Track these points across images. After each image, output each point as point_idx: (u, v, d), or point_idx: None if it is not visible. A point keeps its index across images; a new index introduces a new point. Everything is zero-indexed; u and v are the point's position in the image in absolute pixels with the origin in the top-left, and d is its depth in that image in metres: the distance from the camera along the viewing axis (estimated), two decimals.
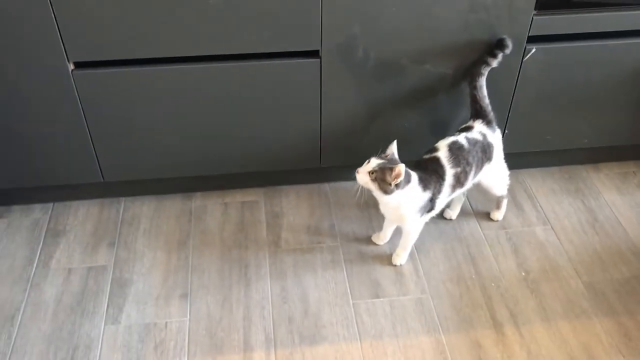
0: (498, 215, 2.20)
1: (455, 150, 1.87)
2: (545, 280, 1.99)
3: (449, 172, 1.86)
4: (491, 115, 1.96)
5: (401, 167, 1.71)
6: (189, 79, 1.94)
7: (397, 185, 1.74)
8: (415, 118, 2.09)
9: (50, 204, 2.27)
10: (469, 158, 1.88)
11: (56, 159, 2.07)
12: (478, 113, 1.95)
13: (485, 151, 1.93)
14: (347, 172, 1.92)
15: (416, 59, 1.95)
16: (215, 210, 2.25)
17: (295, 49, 1.91)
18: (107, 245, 2.12)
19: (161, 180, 2.25)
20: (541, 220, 2.19)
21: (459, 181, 1.89)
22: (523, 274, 2.01)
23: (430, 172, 1.85)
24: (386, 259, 2.06)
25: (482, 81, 1.94)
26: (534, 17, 1.90)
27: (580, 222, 2.19)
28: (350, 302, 1.93)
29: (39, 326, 1.86)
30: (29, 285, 1.99)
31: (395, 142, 1.82)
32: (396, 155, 1.81)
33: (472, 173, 1.91)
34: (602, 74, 2.07)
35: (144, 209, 2.26)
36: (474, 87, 1.94)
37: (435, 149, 1.89)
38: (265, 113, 2.03)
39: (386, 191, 1.76)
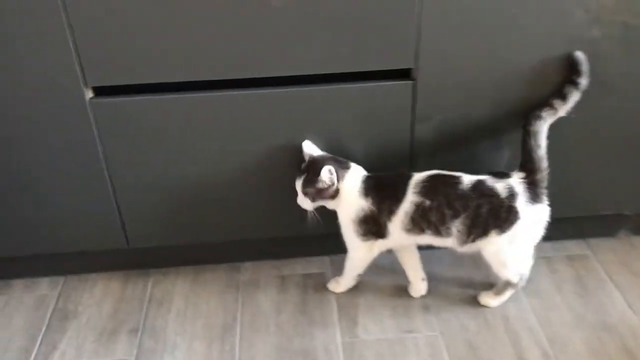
0: (490, 300, 1.62)
1: (439, 182, 1.45)
2: None
3: (410, 197, 1.46)
4: (541, 176, 1.46)
5: (325, 169, 1.43)
6: (239, 108, 1.47)
7: (338, 180, 1.47)
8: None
9: (62, 278, 1.79)
10: (457, 203, 1.43)
11: (69, 218, 1.61)
12: (524, 165, 1.47)
13: (498, 214, 1.43)
14: None
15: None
16: (269, 285, 1.73)
17: (383, 67, 1.44)
18: (128, 332, 1.60)
19: (200, 246, 1.76)
20: None
21: (426, 220, 1.45)
22: None
23: (385, 183, 1.50)
24: (507, 355, 1.49)
25: (540, 126, 1.44)
26: None
27: None
28: None
29: None
30: None
31: (306, 141, 1.50)
32: (315, 153, 1.50)
33: (457, 224, 1.45)
34: None
35: (177, 284, 1.75)
36: (527, 132, 1.46)
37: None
38: (336, 149, 1.54)
39: (332, 195, 1.49)
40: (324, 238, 1.77)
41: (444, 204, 1.44)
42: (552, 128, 1.46)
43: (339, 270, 1.76)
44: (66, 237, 1.65)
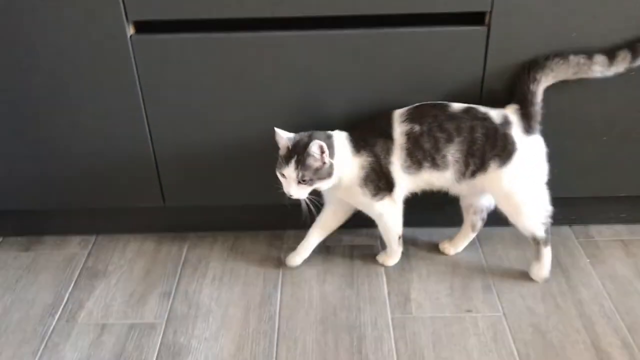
0: (538, 272, 1.47)
1: (427, 106, 1.36)
2: None
3: (398, 129, 1.35)
4: (534, 109, 1.35)
5: (314, 143, 1.29)
6: (291, 51, 1.34)
7: (330, 156, 1.32)
8: None
9: (92, 237, 1.68)
10: (448, 124, 1.33)
11: (106, 171, 1.50)
12: (518, 96, 1.36)
13: (494, 140, 1.33)
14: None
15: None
16: (312, 254, 1.57)
17: (456, 9, 1.29)
18: (159, 295, 1.48)
19: (241, 210, 1.63)
20: None
21: (420, 148, 1.34)
22: None
23: (369, 129, 1.38)
24: (581, 341, 1.31)
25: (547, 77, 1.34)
26: None
27: None
28: None
29: None
30: (43, 345, 1.36)
31: (276, 129, 1.34)
32: (290, 135, 1.34)
33: (452, 151, 1.34)
34: None
35: (215, 249, 1.62)
36: (530, 68, 1.34)
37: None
38: (401, 97, 1.39)
39: (329, 173, 1.34)
40: None
41: (435, 126, 1.33)
42: None
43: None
44: (101, 191, 1.53)
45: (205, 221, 1.67)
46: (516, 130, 1.34)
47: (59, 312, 1.44)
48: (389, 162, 1.37)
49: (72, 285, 1.52)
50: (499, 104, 1.36)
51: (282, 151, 1.35)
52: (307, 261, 1.56)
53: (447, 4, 1.29)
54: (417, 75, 1.37)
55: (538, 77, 1.34)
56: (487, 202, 1.49)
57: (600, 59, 1.32)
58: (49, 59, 1.35)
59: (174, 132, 1.44)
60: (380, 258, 1.55)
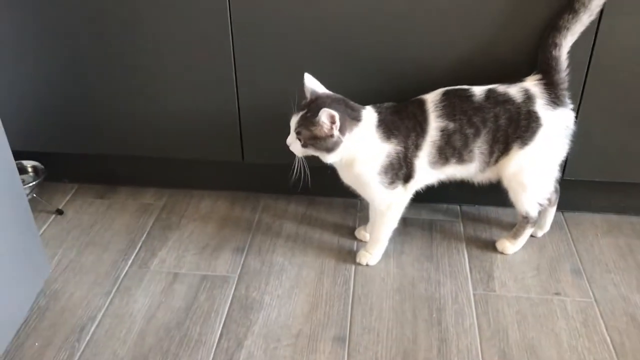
0: (509, 246, 1.42)
1: (454, 98, 1.26)
2: None
3: (433, 124, 1.25)
4: (559, 77, 1.25)
5: (325, 110, 1.16)
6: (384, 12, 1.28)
7: (340, 131, 1.19)
8: None
9: (167, 190, 1.67)
10: (475, 118, 1.24)
11: (190, 120, 1.48)
12: (542, 66, 1.26)
13: (517, 122, 1.24)
14: (593, 193, 1.42)
15: None
16: None
17: None
18: (233, 250, 1.45)
19: (316, 174, 1.57)
20: None
21: (451, 146, 1.26)
22: None
23: (403, 117, 1.26)
24: None
25: (571, 22, 1.22)
26: None
27: None
28: None
29: (114, 349, 1.20)
30: (115, 287, 1.34)
31: (307, 74, 1.24)
32: (320, 90, 1.24)
33: (479, 144, 1.26)
34: None
35: (289, 211, 1.59)
36: (552, 28, 1.24)
37: (427, 93, 1.29)
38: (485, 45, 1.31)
39: (329, 148, 1.21)
40: (456, 185, 1.56)
41: (465, 123, 1.24)
42: None
43: (470, 220, 1.54)
44: (185, 142, 1.51)
45: (280, 183, 1.63)
46: (541, 105, 1.24)
47: (131, 258, 1.43)
48: (415, 156, 1.27)
49: (145, 234, 1.51)
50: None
51: (304, 99, 1.25)
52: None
53: None
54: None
55: (558, 41, 1.23)
56: None
57: None
58: (151, 21, 1.34)
59: (259, 90, 1.41)
60: (364, 258, 1.40)
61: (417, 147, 1.26)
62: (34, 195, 1.57)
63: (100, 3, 1.35)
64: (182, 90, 1.44)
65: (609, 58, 1.29)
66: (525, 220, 1.38)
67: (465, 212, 1.58)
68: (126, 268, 1.40)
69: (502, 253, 1.42)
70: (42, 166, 1.61)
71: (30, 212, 1.23)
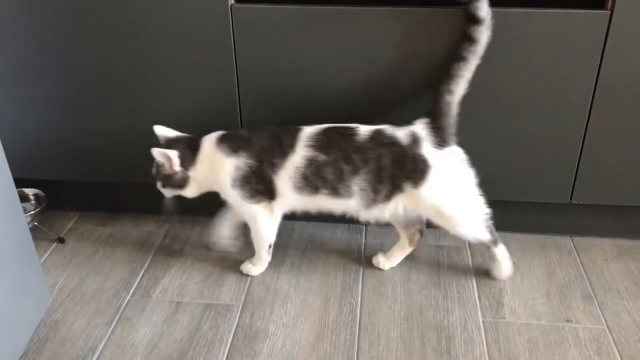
0: (499, 272, 1.40)
1: (335, 134, 1.28)
2: None
3: (300, 151, 1.28)
4: (451, 123, 1.28)
5: (154, 150, 1.29)
6: (396, 26, 1.28)
7: (184, 166, 1.32)
8: None
9: (170, 218, 1.64)
10: (355, 155, 1.26)
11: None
12: (433, 110, 1.29)
13: (402, 164, 1.25)
14: (602, 217, 1.39)
15: None
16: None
17: None
18: (236, 277, 1.43)
19: None
20: None
21: (320, 177, 1.27)
22: None
23: (261, 136, 1.31)
24: None
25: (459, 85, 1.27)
26: None
27: None
28: None
29: None
30: (117, 317, 1.32)
31: (155, 126, 1.34)
32: (171, 135, 1.35)
33: (358, 181, 1.27)
34: None
35: (293, 237, 1.57)
36: (445, 76, 1.28)
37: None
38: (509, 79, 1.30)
39: (180, 184, 1.34)
40: None
41: (341, 158, 1.26)
42: None
43: (477, 246, 1.51)
44: None
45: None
46: (427, 147, 1.26)
47: (133, 287, 1.40)
48: (275, 173, 1.29)
49: (147, 262, 1.48)
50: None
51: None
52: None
53: None
54: (530, 59, 1.29)
55: (452, 88, 1.26)
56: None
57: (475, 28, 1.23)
58: (152, 26, 1.34)
59: (260, 97, 1.40)
60: (245, 267, 1.43)
61: (276, 165, 1.28)
62: (35, 223, 1.55)
63: (103, 30, 1.35)
64: (187, 116, 1.43)
65: (616, 79, 1.28)
66: (485, 245, 1.37)
67: None
68: (128, 297, 1.37)
69: (499, 279, 1.41)
70: (44, 194, 1.59)
71: (31, 241, 1.21)
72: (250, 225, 1.38)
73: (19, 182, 1.22)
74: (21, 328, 1.20)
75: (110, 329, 1.28)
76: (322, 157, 1.26)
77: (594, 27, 1.23)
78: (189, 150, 1.32)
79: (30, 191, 1.60)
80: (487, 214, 1.33)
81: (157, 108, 1.44)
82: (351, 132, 1.27)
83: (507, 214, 1.52)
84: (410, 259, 1.47)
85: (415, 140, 1.26)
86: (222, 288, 1.39)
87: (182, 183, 1.34)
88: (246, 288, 1.39)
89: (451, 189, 1.28)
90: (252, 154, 1.29)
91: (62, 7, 1.34)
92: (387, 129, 1.28)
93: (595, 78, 1.29)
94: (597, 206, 1.47)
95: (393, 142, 1.26)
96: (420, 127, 1.28)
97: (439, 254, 1.50)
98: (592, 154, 1.37)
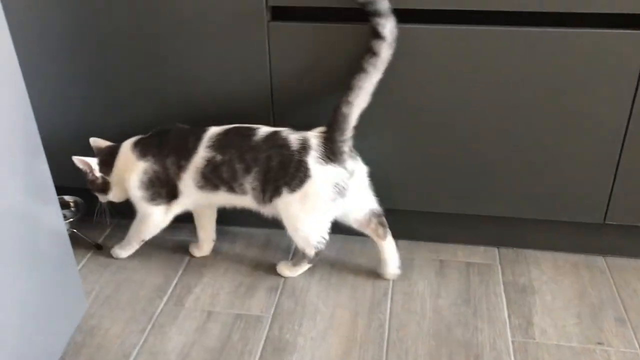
0: (286, 270, 1.47)
1: (234, 134, 1.33)
2: None
3: (201, 153, 1.33)
4: (341, 135, 1.28)
5: (74, 158, 1.42)
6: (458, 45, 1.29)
7: (104, 172, 1.44)
8: None
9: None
10: (248, 155, 1.30)
11: None
12: (330, 120, 1.29)
13: (286, 168, 1.28)
14: (636, 238, 1.41)
15: None
16: (425, 266, 1.51)
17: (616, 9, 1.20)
18: (267, 289, 1.45)
19: None
20: None
21: (218, 176, 1.33)
22: None
23: (171, 140, 1.37)
24: None
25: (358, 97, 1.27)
26: None
27: None
28: None
29: None
30: (150, 325, 1.35)
31: (92, 138, 1.46)
32: (103, 145, 1.46)
33: (250, 180, 1.32)
34: None
35: (333, 249, 1.57)
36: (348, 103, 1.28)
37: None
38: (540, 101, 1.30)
39: (102, 189, 1.46)
40: (493, 226, 1.53)
41: (235, 158, 1.31)
42: None
43: (509, 263, 1.51)
44: None
45: None
46: (313, 157, 1.27)
47: (167, 295, 1.44)
48: (178, 176, 1.36)
49: (181, 270, 1.52)
50: None
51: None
52: (419, 273, 1.48)
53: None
54: (568, 78, 1.28)
55: (350, 99, 1.27)
56: (370, 206, 1.40)
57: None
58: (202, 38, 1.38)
59: (294, 110, 1.42)
60: (115, 252, 1.55)
61: (181, 167, 1.35)
62: (74, 230, 1.60)
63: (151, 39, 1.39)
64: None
65: None
66: (303, 255, 1.41)
67: (503, 254, 1.55)
68: (161, 305, 1.41)
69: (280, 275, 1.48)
70: (82, 201, 1.64)
71: (70, 248, 1.25)
72: (139, 220, 1.46)
73: (60, 190, 1.26)
74: (58, 332, 1.24)
75: (144, 336, 1.32)
76: (219, 157, 1.31)
77: (632, 47, 1.22)
78: (109, 156, 1.42)
79: (70, 198, 1.65)
80: (325, 238, 1.37)
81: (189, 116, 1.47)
82: (250, 133, 1.31)
83: (540, 233, 1.51)
84: (440, 274, 1.47)
85: (304, 147, 1.28)
86: (253, 299, 1.41)
87: (105, 188, 1.44)
88: (276, 300, 1.41)
89: (315, 207, 1.30)
90: (159, 158, 1.37)
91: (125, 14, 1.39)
92: (284, 131, 1.31)
93: (632, 97, 1.27)
94: (632, 227, 1.45)
95: (283, 145, 1.28)
96: (313, 135, 1.29)
97: (469, 270, 1.49)
98: (627, 174, 1.35)
